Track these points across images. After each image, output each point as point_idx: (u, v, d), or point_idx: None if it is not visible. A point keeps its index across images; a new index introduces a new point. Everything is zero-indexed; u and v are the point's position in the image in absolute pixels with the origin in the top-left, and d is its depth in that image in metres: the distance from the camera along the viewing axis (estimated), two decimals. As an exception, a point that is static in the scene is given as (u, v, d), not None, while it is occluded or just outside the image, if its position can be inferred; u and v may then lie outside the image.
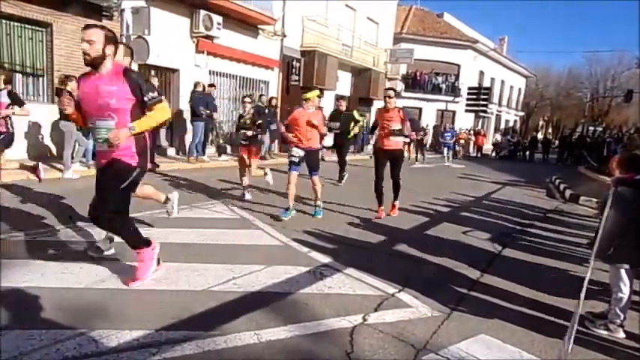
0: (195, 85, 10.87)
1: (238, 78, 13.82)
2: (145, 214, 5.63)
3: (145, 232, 4.81)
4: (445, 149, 18.45)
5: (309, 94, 6.02)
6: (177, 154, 11.83)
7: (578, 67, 50.27)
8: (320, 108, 6.93)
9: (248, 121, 7.13)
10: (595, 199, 9.30)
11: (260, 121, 7.25)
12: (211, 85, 11.60)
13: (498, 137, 26.66)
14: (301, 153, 5.91)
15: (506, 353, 2.86)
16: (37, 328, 2.66)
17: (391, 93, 6.42)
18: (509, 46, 39.32)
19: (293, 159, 5.97)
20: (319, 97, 6.49)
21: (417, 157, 17.19)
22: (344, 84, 19.19)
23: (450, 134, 18.64)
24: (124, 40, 10.12)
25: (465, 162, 19.85)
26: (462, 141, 22.51)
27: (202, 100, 10.67)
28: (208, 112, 10.81)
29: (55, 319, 2.81)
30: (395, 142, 6.44)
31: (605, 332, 3.23)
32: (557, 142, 30.86)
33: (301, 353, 2.68)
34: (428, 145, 22.02)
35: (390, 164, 6.51)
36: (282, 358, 2.60)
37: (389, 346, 2.80)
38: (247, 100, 7.53)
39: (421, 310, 3.38)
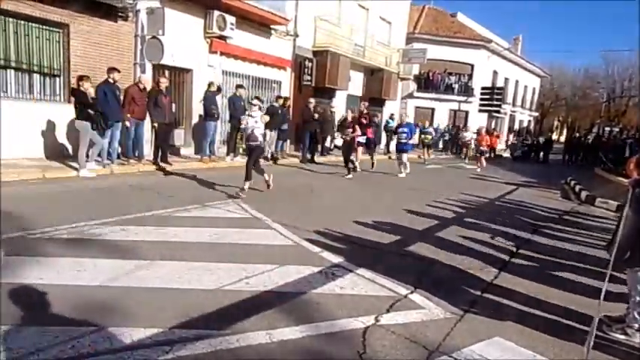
0: (209, 85, 10.93)
1: (251, 78, 13.86)
2: (158, 213, 5.68)
3: (157, 230, 4.88)
4: (401, 155, 12.17)
5: None
6: (197, 154, 11.88)
7: (595, 66, 49.38)
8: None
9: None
10: (612, 201, 9.14)
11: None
12: (239, 87, 11.64)
13: (514, 139, 26.32)
14: None
15: (520, 356, 2.82)
16: (52, 325, 2.70)
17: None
18: (523, 45, 38.87)
19: None
20: None
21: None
22: (356, 84, 19.14)
23: (407, 132, 12.17)
24: (139, 41, 10.25)
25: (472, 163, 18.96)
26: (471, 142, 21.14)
27: (214, 100, 10.73)
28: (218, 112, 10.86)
29: (70, 316, 2.85)
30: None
31: (623, 337, 3.16)
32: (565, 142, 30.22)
33: (313, 353, 2.68)
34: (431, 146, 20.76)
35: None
36: (294, 358, 2.60)
37: (401, 348, 2.78)
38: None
39: (434, 311, 3.36)
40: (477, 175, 14.01)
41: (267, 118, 7.79)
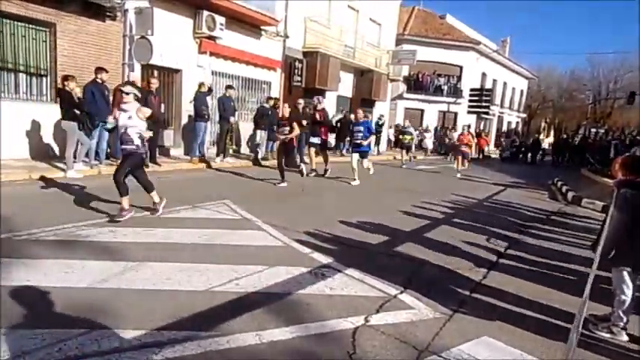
0: (200, 85, 10.89)
1: (241, 79, 13.82)
2: (147, 214, 5.64)
3: (146, 232, 4.84)
4: (354, 157, 10.17)
5: None
6: (186, 154, 11.81)
7: (581, 69, 50.17)
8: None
9: None
10: (598, 202, 9.29)
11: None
12: (229, 87, 11.60)
13: (505, 140, 26.48)
14: None
15: (508, 355, 2.86)
16: (39, 327, 2.66)
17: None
18: (511, 47, 39.22)
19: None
20: None
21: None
22: (346, 85, 19.19)
23: (362, 131, 10.10)
24: (127, 41, 10.15)
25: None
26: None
27: (205, 101, 10.68)
28: (208, 112, 10.79)
29: (57, 319, 2.82)
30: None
31: (608, 335, 3.22)
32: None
33: (303, 354, 2.68)
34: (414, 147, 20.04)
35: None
36: (284, 359, 2.60)
37: (391, 348, 2.80)
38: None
39: (423, 311, 3.38)
40: (466, 176, 14.12)
41: (147, 112, 5.46)
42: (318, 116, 10.77)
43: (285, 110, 9.02)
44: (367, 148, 10.46)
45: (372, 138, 10.85)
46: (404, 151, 15.88)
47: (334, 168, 11.23)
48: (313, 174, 10.46)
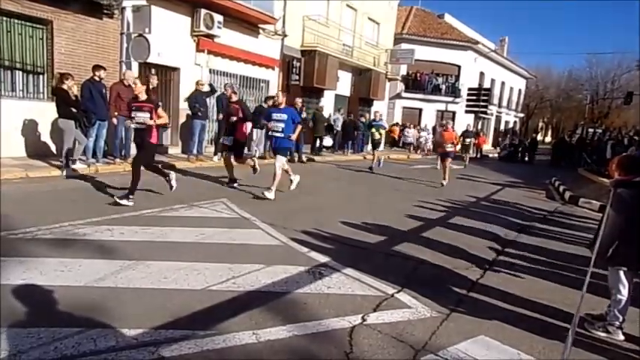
0: (197, 83, 10.87)
1: (239, 77, 13.80)
2: (144, 212, 5.63)
3: (143, 230, 4.83)
4: (279, 157, 7.59)
5: None
6: (184, 153, 11.79)
7: (579, 68, 50.29)
8: None
9: None
10: (594, 201, 9.31)
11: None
12: (228, 86, 11.53)
13: (505, 140, 26.45)
14: None
15: (505, 354, 2.86)
16: (35, 326, 2.65)
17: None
18: (509, 47, 39.33)
19: None
20: None
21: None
22: (344, 84, 19.19)
23: (284, 120, 7.42)
24: (124, 39, 10.12)
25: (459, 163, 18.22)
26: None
27: (200, 99, 10.66)
28: (203, 110, 10.75)
29: (53, 317, 2.80)
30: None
31: (604, 334, 3.23)
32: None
33: (300, 353, 2.68)
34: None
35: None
36: (281, 358, 2.60)
37: (388, 347, 2.80)
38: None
39: (420, 310, 3.38)
40: (464, 174, 14.14)
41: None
42: (233, 110, 7.89)
43: (138, 89, 6.24)
44: (289, 144, 7.77)
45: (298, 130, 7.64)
46: (375, 151, 13.13)
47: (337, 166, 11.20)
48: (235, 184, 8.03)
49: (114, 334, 2.64)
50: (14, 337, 2.52)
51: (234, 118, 7.84)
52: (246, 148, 9.00)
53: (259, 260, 4.13)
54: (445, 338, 2.97)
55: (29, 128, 8.91)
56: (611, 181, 3.36)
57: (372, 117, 19.09)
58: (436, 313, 3.36)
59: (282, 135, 7.32)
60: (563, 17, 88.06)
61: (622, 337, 3.19)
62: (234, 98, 8.15)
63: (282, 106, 7.48)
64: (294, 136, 7.51)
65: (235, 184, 7.98)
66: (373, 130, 13.10)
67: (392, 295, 3.61)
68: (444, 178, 10.87)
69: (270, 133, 7.56)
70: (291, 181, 7.77)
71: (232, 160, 8.14)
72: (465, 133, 18.24)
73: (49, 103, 8.78)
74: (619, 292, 3.18)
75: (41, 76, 9.15)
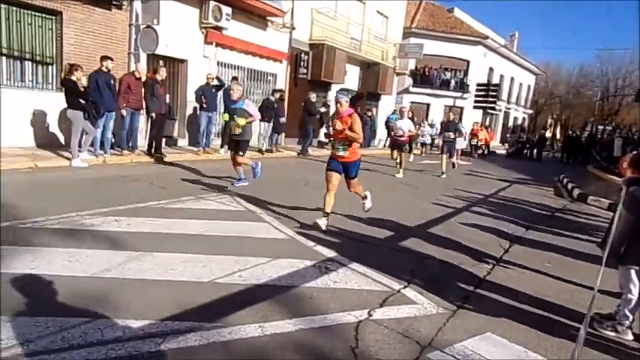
0: (207, 77, 10.87)
1: (246, 70, 13.77)
2: (151, 204, 5.65)
3: (150, 222, 4.84)
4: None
5: None
6: (191, 145, 11.82)
7: (590, 65, 49.66)
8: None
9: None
10: (604, 199, 9.22)
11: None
12: (235, 79, 11.52)
13: (514, 136, 26.15)
14: None
15: (512, 352, 2.84)
16: (43, 315, 2.67)
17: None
18: (519, 42, 38.89)
19: None
20: None
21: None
22: (352, 78, 19.08)
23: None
24: (133, 30, 10.11)
25: (468, 159, 18.39)
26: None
27: (206, 91, 10.65)
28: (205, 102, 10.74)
29: (61, 307, 2.82)
30: None
31: (613, 334, 3.19)
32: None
33: (306, 347, 2.67)
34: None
35: None
36: (287, 352, 2.60)
37: (394, 342, 2.79)
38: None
39: (427, 306, 3.36)
40: (471, 171, 14.05)
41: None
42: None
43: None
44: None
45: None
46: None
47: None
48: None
49: (120, 325, 2.65)
50: (22, 326, 2.53)
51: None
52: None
53: (265, 253, 4.12)
54: (452, 335, 2.95)
55: (38, 119, 8.96)
56: (623, 179, 3.31)
57: (390, 114, 18.16)
58: (443, 309, 3.34)
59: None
60: (573, 12, 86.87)
61: (631, 337, 3.16)
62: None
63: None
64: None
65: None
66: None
67: (398, 291, 3.59)
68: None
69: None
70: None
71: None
72: (447, 125, 12.35)
73: (58, 93, 8.81)
74: (629, 292, 3.14)
75: (50, 67, 9.18)
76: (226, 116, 7.54)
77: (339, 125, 5.12)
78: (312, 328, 2.87)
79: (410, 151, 12.78)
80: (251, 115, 7.31)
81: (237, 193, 6.83)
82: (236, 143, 7.41)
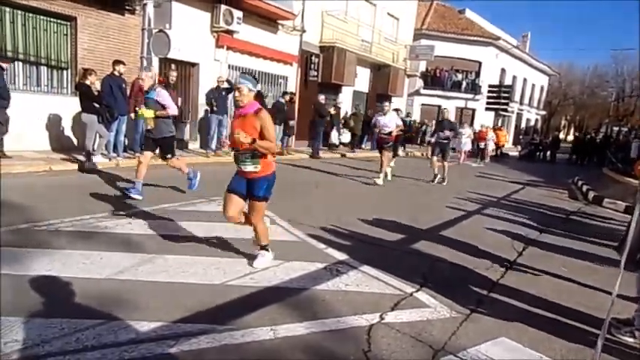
0: (218, 80, 10.96)
1: (257, 73, 13.83)
2: (164, 206, 5.69)
3: (162, 224, 4.88)
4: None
5: None
6: (202, 148, 11.90)
7: (605, 65, 48.93)
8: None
9: None
10: (620, 202, 9.06)
11: None
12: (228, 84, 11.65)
13: (527, 138, 25.81)
14: None
15: (526, 357, 2.80)
16: (58, 317, 2.70)
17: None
18: (532, 43, 38.53)
19: None
20: None
21: None
22: (363, 80, 19.07)
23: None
24: (146, 34, 10.23)
25: (476, 160, 18.23)
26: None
27: (216, 94, 10.74)
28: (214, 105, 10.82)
29: (75, 309, 2.85)
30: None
31: (631, 340, 3.13)
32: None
33: (317, 350, 2.66)
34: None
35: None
36: (298, 354, 2.59)
37: (406, 346, 2.76)
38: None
39: (439, 310, 3.33)
40: (483, 172, 13.91)
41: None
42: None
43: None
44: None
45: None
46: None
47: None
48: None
49: (134, 327, 2.67)
50: (37, 328, 2.57)
51: None
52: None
53: (277, 256, 4.12)
54: (465, 339, 2.92)
55: (53, 122, 9.10)
56: (640, 181, 3.25)
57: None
58: (456, 313, 3.30)
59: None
60: (588, 13, 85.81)
61: (650, 343, 3.09)
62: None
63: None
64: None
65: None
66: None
67: (410, 294, 3.57)
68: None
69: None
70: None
71: None
72: (441, 125, 10.71)
73: (73, 97, 8.94)
74: (647, 296, 3.08)
75: (65, 72, 9.32)
76: (142, 111, 5.89)
77: (243, 137, 3.48)
78: (324, 331, 2.86)
79: (395, 154, 11.28)
80: (163, 107, 5.88)
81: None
82: (155, 143, 6.06)
